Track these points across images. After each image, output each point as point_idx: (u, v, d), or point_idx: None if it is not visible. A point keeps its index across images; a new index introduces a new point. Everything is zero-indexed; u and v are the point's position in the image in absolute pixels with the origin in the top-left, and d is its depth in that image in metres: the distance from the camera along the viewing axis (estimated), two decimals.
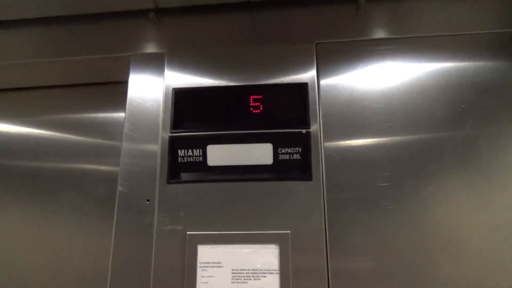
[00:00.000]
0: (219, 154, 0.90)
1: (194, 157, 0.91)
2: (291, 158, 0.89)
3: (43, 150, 1.18)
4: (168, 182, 0.89)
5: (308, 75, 0.95)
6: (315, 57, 0.96)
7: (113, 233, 0.89)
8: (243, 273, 0.81)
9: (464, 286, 0.81)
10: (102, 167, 1.14)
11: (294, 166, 0.88)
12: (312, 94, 0.93)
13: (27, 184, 1.16)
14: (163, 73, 0.99)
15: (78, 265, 1.06)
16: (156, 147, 0.94)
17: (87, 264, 1.06)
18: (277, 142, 0.90)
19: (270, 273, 0.81)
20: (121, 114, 1.15)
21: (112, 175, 1.10)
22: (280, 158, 0.89)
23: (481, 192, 0.86)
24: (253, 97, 0.94)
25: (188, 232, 0.85)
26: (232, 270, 0.82)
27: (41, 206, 1.13)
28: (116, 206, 0.91)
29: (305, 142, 0.89)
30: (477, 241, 0.83)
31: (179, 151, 0.92)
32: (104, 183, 1.12)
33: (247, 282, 0.81)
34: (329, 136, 0.90)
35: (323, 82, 0.95)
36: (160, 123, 0.95)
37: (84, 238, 1.08)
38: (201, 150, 0.91)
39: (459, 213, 0.85)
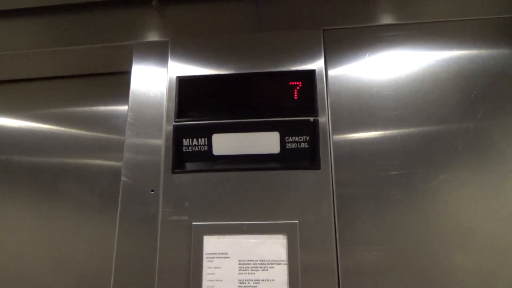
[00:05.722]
0: (225, 143, 0.88)
1: (199, 146, 0.89)
2: (299, 146, 0.87)
3: (45, 144, 1.16)
4: (173, 172, 0.88)
5: (315, 63, 0.92)
6: (322, 44, 0.94)
7: (117, 224, 0.88)
8: (251, 264, 0.80)
9: (476, 277, 0.79)
10: (106, 161, 1.12)
11: (302, 155, 0.86)
12: (320, 82, 0.90)
13: (29, 178, 1.14)
14: (167, 62, 0.97)
15: (82, 258, 1.05)
16: (160, 137, 0.92)
17: (91, 256, 1.04)
18: (284, 131, 0.87)
19: (278, 263, 0.79)
20: (125, 107, 1.13)
21: (115, 169, 1.08)
22: (287, 147, 0.87)
23: (493, 181, 0.84)
24: (259, 85, 0.92)
25: (193, 223, 0.83)
26: (239, 261, 0.80)
27: (44, 200, 1.12)
28: (120, 196, 0.89)
29: (313, 130, 0.87)
30: (489, 231, 0.81)
31: (184, 140, 0.90)
32: (108, 177, 1.10)
33: (254, 273, 0.79)
34: (337, 125, 0.88)
35: (331, 70, 0.93)
36: (164, 113, 0.93)
37: (88, 231, 1.06)
38: (206, 139, 0.89)
39: (471, 202, 0.83)
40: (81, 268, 1.04)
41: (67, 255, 1.06)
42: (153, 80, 0.97)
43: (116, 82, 1.15)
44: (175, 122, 0.91)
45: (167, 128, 0.91)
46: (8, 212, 1.13)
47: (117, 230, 0.87)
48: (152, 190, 0.88)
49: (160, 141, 0.91)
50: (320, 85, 0.90)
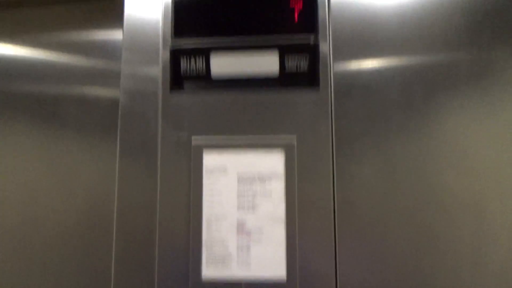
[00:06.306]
0: (223, 63, 0.87)
1: (196, 67, 0.88)
2: (298, 65, 0.86)
3: (42, 71, 1.15)
4: (171, 91, 0.87)
5: None
6: None
7: (118, 146, 0.89)
8: (249, 177, 0.82)
9: (464, 195, 0.81)
10: (104, 87, 1.11)
11: (301, 75, 0.86)
12: (322, 8, 0.88)
13: (28, 106, 1.14)
14: None
15: (86, 179, 1.06)
16: (157, 61, 0.90)
17: (95, 178, 1.06)
18: (284, 49, 0.86)
19: (276, 177, 0.81)
20: (120, 32, 1.11)
21: (115, 96, 1.07)
22: (286, 65, 0.86)
23: (495, 106, 0.84)
24: (259, 4, 0.89)
25: (193, 136, 0.84)
26: (238, 174, 0.82)
27: (46, 126, 1.12)
28: (119, 119, 0.89)
29: (313, 50, 0.86)
30: (486, 154, 0.82)
31: (181, 61, 0.89)
32: (107, 103, 1.09)
33: (252, 185, 0.81)
34: (339, 51, 0.87)
35: None
36: (160, 32, 0.91)
37: (90, 155, 1.07)
38: (204, 58, 0.88)
39: (469, 128, 0.83)
40: (86, 190, 1.06)
41: (71, 176, 1.07)
42: (148, 3, 0.94)
43: (110, 7, 1.11)
44: (173, 41, 0.89)
45: (164, 50, 0.90)
46: (11, 137, 1.13)
47: (118, 151, 0.89)
48: (151, 111, 0.88)
49: (157, 65, 0.90)
50: (322, 11, 0.88)
